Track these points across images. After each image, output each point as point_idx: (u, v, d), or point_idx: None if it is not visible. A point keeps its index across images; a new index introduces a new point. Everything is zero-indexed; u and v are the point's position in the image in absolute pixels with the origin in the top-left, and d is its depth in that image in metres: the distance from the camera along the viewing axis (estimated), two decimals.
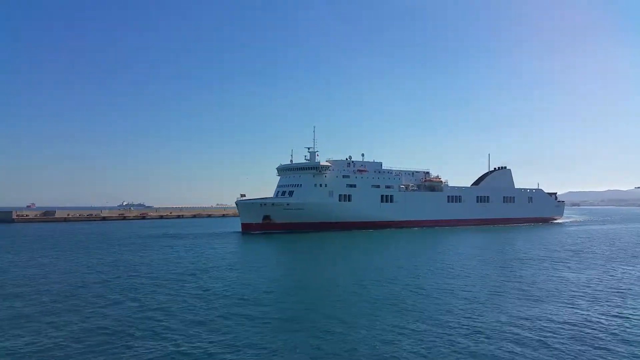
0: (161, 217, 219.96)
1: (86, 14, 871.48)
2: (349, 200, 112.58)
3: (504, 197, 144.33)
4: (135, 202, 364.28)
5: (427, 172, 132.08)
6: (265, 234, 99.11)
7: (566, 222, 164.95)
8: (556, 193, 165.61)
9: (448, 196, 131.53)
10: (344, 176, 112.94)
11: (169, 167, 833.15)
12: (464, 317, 28.05)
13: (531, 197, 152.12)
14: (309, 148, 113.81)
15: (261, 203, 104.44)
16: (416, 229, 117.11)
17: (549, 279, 42.71)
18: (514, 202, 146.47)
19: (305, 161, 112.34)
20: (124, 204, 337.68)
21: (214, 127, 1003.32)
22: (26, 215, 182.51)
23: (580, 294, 35.77)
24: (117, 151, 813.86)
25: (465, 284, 39.27)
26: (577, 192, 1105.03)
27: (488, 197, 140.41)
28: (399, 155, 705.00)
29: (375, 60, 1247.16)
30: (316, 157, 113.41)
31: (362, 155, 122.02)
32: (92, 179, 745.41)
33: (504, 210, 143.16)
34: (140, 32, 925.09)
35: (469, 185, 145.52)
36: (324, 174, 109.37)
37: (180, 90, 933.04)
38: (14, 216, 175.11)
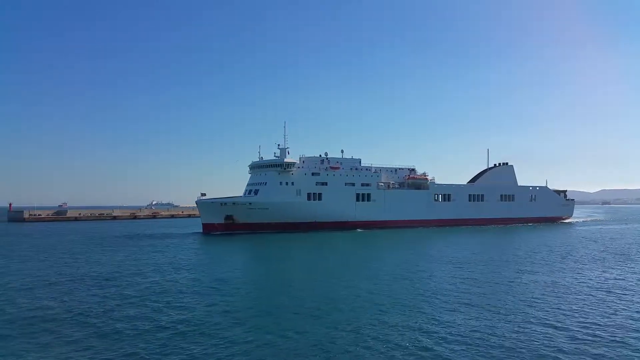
0: (172, 216, 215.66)
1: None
2: (319, 199, 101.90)
3: (501, 195, 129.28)
4: (164, 202, 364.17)
5: (413, 169, 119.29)
6: (226, 235, 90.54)
7: (576, 222, 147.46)
8: (565, 191, 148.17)
9: (435, 194, 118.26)
10: (313, 173, 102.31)
11: (199, 165, 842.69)
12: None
13: (534, 196, 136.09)
14: (278, 144, 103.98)
15: (222, 202, 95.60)
16: (397, 229, 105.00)
17: (488, 280, 38.99)
18: (513, 200, 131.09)
19: (274, 158, 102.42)
20: (153, 203, 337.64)
21: (242, 127, 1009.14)
22: (38, 215, 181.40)
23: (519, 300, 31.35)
24: (149, 150, 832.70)
25: (397, 286, 36.16)
26: (610, 190, 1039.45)
27: (482, 195, 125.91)
28: (394, 155, 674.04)
29: (372, 58, 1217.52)
30: (287, 154, 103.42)
31: (342, 151, 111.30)
32: (124, 179, 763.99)
33: (502, 209, 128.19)
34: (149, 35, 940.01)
35: (465, 183, 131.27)
36: (290, 171, 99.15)
37: (186, 93, 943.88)
38: (26, 216, 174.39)
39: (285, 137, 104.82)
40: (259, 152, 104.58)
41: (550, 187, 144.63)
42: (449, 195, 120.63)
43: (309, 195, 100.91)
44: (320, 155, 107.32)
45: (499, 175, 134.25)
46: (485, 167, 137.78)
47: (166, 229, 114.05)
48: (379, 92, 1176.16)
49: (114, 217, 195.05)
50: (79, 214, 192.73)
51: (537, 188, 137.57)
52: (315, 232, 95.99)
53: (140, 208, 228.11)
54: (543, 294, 33.25)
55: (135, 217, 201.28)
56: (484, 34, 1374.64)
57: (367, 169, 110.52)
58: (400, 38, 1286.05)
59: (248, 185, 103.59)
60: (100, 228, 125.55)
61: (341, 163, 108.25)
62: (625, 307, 29.47)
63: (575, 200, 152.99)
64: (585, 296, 32.81)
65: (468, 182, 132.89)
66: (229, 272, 44.89)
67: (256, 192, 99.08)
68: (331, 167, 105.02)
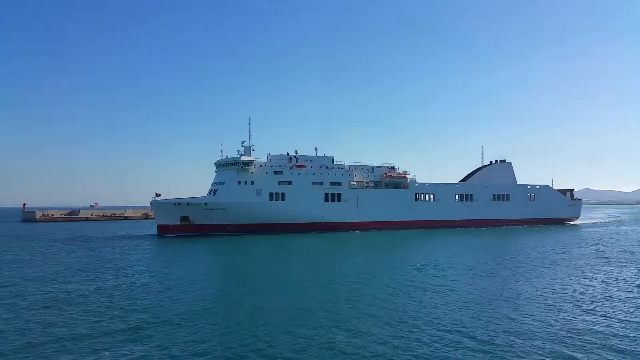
0: None
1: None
2: (282, 199, 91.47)
3: (494, 194, 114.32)
4: None
5: (392, 167, 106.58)
6: (180, 237, 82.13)
7: (583, 223, 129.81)
8: (572, 190, 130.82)
9: (416, 194, 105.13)
10: (275, 172, 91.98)
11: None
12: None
13: (533, 195, 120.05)
14: (242, 142, 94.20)
15: (175, 203, 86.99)
16: (371, 231, 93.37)
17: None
18: (508, 200, 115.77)
19: (236, 156, 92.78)
20: None
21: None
22: (51, 215, 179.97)
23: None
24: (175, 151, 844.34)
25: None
26: None
27: (472, 195, 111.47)
28: (387, 156, 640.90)
29: (363, 55, 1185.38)
30: (251, 151, 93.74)
31: (315, 149, 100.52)
32: (154, 179, 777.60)
33: (495, 210, 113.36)
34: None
35: (457, 182, 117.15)
36: (248, 169, 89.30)
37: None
38: (38, 216, 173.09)
39: (250, 134, 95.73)
40: (221, 150, 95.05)
41: (569, 186, 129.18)
42: (432, 194, 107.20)
43: (270, 195, 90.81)
44: (287, 153, 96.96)
45: (494, 173, 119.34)
46: (480, 165, 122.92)
47: (139, 231, 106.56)
48: (371, 91, 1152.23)
49: (126, 217, 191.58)
50: (91, 214, 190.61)
51: (537, 187, 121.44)
52: (278, 235, 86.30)
53: None
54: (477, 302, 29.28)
55: (147, 217, 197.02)
56: (480, 29, 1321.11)
57: (338, 168, 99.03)
58: (391, 34, 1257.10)
59: (211, 185, 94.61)
60: (94, 228, 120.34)
61: (311, 161, 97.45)
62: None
63: (582, 200, 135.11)
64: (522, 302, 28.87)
65: (460, 181, 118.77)
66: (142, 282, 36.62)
67: (215, 192, 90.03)
68: (296, 166, 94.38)
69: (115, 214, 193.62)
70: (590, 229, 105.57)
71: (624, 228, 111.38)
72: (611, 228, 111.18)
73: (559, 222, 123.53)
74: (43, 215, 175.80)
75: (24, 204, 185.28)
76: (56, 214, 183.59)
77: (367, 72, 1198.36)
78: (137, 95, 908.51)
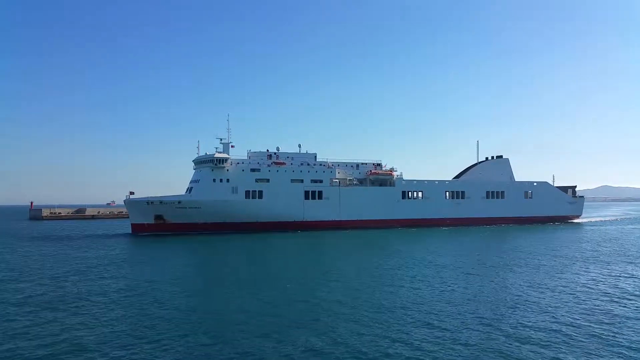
0: None
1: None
2: (259, 198, 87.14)
3: (487, 192, 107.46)
4: None
5: (379, 164, 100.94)
6: (153, 236, 78.81)
7: (586, 222, 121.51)
8: (574, 187, 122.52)
9: (403, 192, 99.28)
10: (252, 170, 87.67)
11: None
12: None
13: (530, 192, 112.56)
14: (221, 139, 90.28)
15: (148, 201, 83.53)
16: (354, 230, 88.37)
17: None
18: (502, 197, 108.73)
19: (210, 154, 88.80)
20: None
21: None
22: (58, 213, 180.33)
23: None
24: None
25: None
26: None
27: (463, 192, 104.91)
28: (378, 154, 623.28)
29: (354, 52, 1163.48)
30: (230, 149, 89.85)
31: (299, 146, 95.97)
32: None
33: (488, 208, 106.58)
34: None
35: (450, 179, 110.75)
36: (224, 167, 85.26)
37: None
38: (45, 214, 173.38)
39: (229, 130, 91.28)
40: (198, 147, 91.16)
41: (587, 184, 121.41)
42: (420, 192, 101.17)
43: (247, 193, 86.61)
44: (267, 150, 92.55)
45: (490, 169, 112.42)
46: (475, 162, 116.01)
47: (120, 229, 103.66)
48: (363, 87, 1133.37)
49: None
50: (98, 212, 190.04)
51: (535, 184, 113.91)
52: (255, 234, 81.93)
53: None
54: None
55: None
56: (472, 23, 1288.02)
57: (320, 165, 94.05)
58: (381, 29, 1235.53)
59: (189, 183, 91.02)
60: (90, 226, 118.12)
61: (292, 158, 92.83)
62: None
63: (583, 197, 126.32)
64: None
65: (453, 179, 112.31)
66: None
67: (191, 190, 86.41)
68: (275, 163, 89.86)
69: (122, 212, 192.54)
70: (591, 228, 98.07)
71: (630, 226, 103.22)
72: (616, 226, 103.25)
73: (559, 220, 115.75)
74: (50, 213, 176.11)
75: (31, 202, 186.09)
76: (63, 212, 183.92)
77: (362, 69, 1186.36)
78: (134, 94, 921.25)
